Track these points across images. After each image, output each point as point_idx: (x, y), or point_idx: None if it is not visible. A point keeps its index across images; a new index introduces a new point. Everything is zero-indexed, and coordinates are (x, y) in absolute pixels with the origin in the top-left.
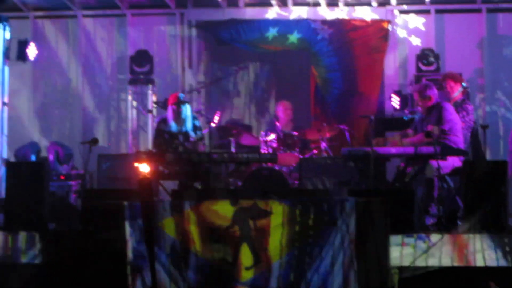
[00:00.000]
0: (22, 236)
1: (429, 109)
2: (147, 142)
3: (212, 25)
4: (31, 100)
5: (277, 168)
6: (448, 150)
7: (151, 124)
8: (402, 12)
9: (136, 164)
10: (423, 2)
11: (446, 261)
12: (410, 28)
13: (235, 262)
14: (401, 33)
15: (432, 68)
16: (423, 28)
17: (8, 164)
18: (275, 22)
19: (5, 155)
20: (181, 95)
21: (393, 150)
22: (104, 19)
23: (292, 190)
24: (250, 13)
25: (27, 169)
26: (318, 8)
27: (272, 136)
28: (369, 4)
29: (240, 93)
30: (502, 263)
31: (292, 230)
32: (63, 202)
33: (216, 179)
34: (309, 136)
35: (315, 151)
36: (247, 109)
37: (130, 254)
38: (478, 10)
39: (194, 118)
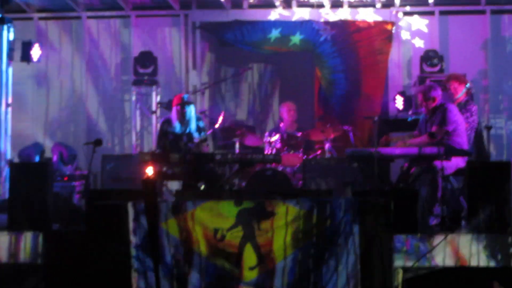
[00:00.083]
0: (26, 236)
1: (433, 110)
2: (151, 143)
3: (216, 27)
4: (35, 101)
5: (280, 168)
6: (451, 151)
7: (155, 125)
8: (406, 13)
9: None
10: (427, 4)
11: (450, 261)
12: (414, 30)
13: (238, 262)
14: (405, 34)
15: (436, 69)
16: (426, 30)
17: (12, 164)
18: (278, 24)
19: (9, 156)
20: (186, 96)
21: (397, 150)
22: (108, 20)
23: (296, 190)
24: (254, 14)
25: (31, 170)
26: (322, 10)
27: (276, 137)
28: (373, 6)
29: (244, 94)
30: (506, 263)
31: (295, 230)
32: (67, 203)
33: (220, 179)
34: (313, 137)
35: (319, 152)
36: (251, 110)
37: (133, 254)
38: (482, 12)
39: (198, 119)
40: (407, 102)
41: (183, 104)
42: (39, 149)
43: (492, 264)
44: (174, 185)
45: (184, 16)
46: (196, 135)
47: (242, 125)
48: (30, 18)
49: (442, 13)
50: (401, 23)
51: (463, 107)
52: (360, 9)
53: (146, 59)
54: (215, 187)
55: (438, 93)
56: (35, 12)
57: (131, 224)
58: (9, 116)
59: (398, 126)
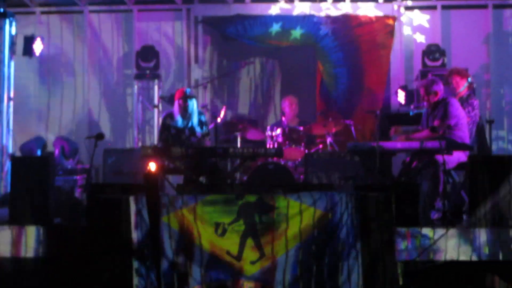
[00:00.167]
0: (27, 230)
1: (435, 105)
2: (153, 136)
3: (218, 21)
4: (37, 95)
5: (282, 162)
6: (453, 145)
7: (156, 119)
8: (407, 8)
9: (145, 162)
10: None
11: (451, 256)
12: (416, 25)
13: (240, 256)
14: (407, 29)
15: (438, 63)
16: (427, 25)
17: (13, 158)
18: (279, 18)
19: (10, 149)
20: (188, 90)
21: (398, 144)
22: (111, 14)
23: (298, 184)
24: (256, 8)
25: (33, 164)
26: (323, 4)
27: (277, 131)
28: (375, 0)
29: (246, 88)
30: (507, 257)
31: (297, 224)
32: (69, 197)
33: (222, 173)
34: (315, 131)
35: (320, 146)
36: (253, 104)
37: (135, 248)
38: (484, 6)
39: (200, 113)
40: (409, 96)
41: (186, 98)
42: (41, 143)
43: (493, 258)
44: (175, 179)
45: (187, 10)
46: (198, 129)
47: (244, 119)
48: (32, 12)
49: (444, 7)
50: (402, 18)
51: (465, 101)
52: (362, 4)
53: (148, 53)
54: (217, 181)
55: (440, 87)
56: (37, 6)
57: (132, 218)
58: (11, 110)
59: (400, 120)
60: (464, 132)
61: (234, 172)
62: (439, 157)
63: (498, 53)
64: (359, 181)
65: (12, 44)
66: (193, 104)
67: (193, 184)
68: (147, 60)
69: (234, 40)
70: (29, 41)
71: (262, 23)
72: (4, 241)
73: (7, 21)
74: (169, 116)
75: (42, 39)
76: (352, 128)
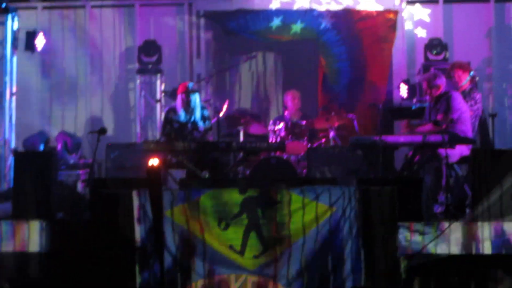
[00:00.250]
0: (30, 225)
1: (437, 98)
2: (155, 131)
3: (220, 15)
4: (39, 90)
5: (285, 157)
6: (456, 139)
7: (159, 114)
8: (409, 2)
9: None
10: None
11: (454, 249)
12: (416, 20)
13: (243, 251)
14: (408, 24)
15: (440, 57)
16: (428, 20)
17: (16, 153)
18: (279, 12)
19: (13, 144)
20: (191, 84)
21: (401, 138)
22: (113, 9)
23: (300, 179)
24: (258, 3)
25: (36, 159)
26: None
27: (280, 125)
28: None
29: (248, 82)
30: (510, 251)
31: (300, 218)
32: (71, 191)
33: (224, 168)
34: (317, 125)
35: (323, 140)
36: (255, 98)
37: (138, 243)
38: (486, 0)
39: (203, 108)
40: (411, 90)
41: (188, 92)
42: (44, 138)
43: (496, 252)
44: (178, 174)
45: (188, 5)
46: (201, 123)
47: (246, 113)
48: (34, 7)
49: (446, 1)
50: (403, 14)
51: (467, 95)
52: None
53: (150, 47)
54: (220, 176)
55: (442, 81)
56: (39, 1)
57: (135, 213)
58: (14, 105)
59: (403, 114)
60: (467, 126)
61: (236, 166)
62: (441, 151)
63: (500, 47)
64: (362, 175)
65: (15, 39)
66: (196, 98)
67: (196, 179)
68: (149, 55)
69: (236, 34)
70: (31, 36)
71: (263, 17)
72: (7, 236)
73: (9, 16)
74: (172, 110)
75: (45, 34)
76: (355, 122)
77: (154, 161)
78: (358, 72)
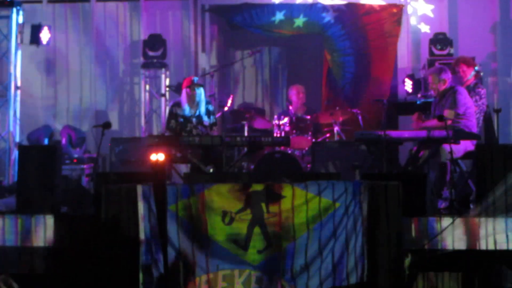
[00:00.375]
0: (34, 219)
1: (443, 93)
2: (160, 125)
3: (225, 9)
4: (44, 84)
5: (289, 151)
6: (460, 134)
7: (164, 108)
8: None
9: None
10: None
11: (458, 245)
12: (422, 13)
13: (247, 245)
14: (412, 19)
15: (445, 52)
16: (431, 15)
17: (21, 147)
18: (282, 6)
19: (18, 138)
20: (196, 78)
21: (405, 134)
22: (118, 3)
23: (305, 173)
24: None
25: (40, 153)
26: None
27: (285, 120)
28: None
29: (253, 77)
30: None
31: (304, 213)
32: (76, 186)
33: (229, 162)
34: (322, 120)
35: (327, 135)
36: (260, 92)
37: (142, 237)
38: None
39: (207, 102)
40: (416, 85)
41: (193, 86)
42: (48, 132)
43: (501, 247)
44: (182, 168)
45: None
46: (205, 118)
47: (251, 108)
48: (40, 1)
49: None
50: (410, 6)
51: (472, 90)
52: None
53: (155, 42)
54: (224, 170)
55: (448, 76)
56: None
57: (140, 207)
58: (18, 98)
59: (407, 109)
60: (472, 121)
61: (241, 161)
62: (446, 146)
63: (505, 42)
64: (366, 170)
65: (19, 33)
66: (201, 93)
67: (200, 173)
68: (154, 49)
69: (241, 28)
70: (36, 30)
71: (267, 11)
72: (12, 230)
73: (14, 10)
74: (177, 104)
75: (49, 28)
76: (359, 117)
77: (158, 156)
78: (362, 67)
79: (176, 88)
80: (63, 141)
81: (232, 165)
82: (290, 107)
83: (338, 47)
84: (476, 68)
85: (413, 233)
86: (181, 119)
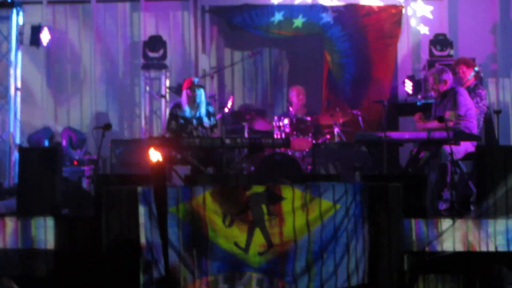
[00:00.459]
0: (35, 221)
1: (443, 94)
2: (160, 127)
3: (225, 10)
4: (44, 85)
5: (290, 153)
6: (461, 135)
7: (164, 109)
8: None
9: (150, 151)
10: None
11: (459, 246)
12: (423, 14)
13: (248, 248)
14: (414, 18)
15: (445, 53)
16: (430, 16)
17: (21, 149)
18: (281, 7)
19: (18, 140)
20: (196, 79)
21: (406, 135)
22: (118, 4)
23: (305, 175)
24: None
25: (40, 155)
26: None
27: (285, 121)
28: None
29: (253, 78)
30: None
31: (305, 215)
32: (76, 188)
33: (229, 164)
34: (322, 121)
35: (328, 136)
36: (260, 94)
37: (143, 239)
38: None
39: (208, 104)
40: (416, 86)
41: (194, 87)
42: (48, 134)
43: (501, 249)
44: (183, 170)
45: (194, 0)
46: (206, 120)
47: (251, 109)
48: (40, 2)
49: None
50: (408, 9)
51: (473, 91)
52: None
53: (156, 43)
54: (224, 172)
55: (449, 76)
56: None
57: (140, 209)
58: (18, 100)
59: (407, 110)
60: (473, 123)
61: (241, 162)
62: (446, 148)
63: (505, 43)
64: (367, 172)
65: (19, 33)
66: (201, 94)
67: (201, 175)
68: (154, 50)
69: (241, 29)
70: (36, 30)
71: (267, 12)
72: (12, 232)
73: (15, 10)
74: (177, 106)
75: (50, 29)
76: (360, 118)
77: (159, 156)
78: (363, 68)
79: (176, 90)
80: (64, 142)
81: (232, 166)
82: (291, 109)
83: (338, 48)
84: (476, 68)
85: (414, 235)
86: (182, 121)
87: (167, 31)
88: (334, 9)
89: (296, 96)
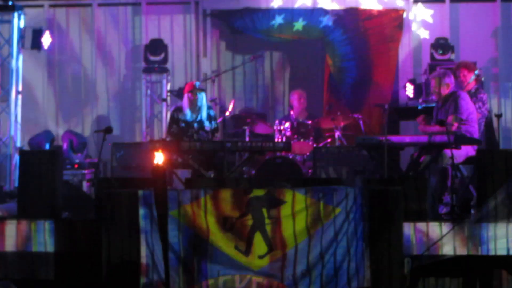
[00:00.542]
0: (35, 224)
1: (445, 98)
2: (161, 131)
3: (226, 14)
4: (45, 89)
5: (291, 157)
6: (461, 139)
7: (165, 113)
8: (415, 0)
9: (156, 154)
10: None
11: (459, 250)
12: (424, 18)
13: (248, 251)
14: (415, 22)
15: (446, 57)
16: (430, 20)
17: (22, 152)
18: (281, 10)
19: (19, 143)
20: (197, 83)
21: (407, 139)
22: (119, 8)
23: (306, 179)
24: (264, 2)
25: (41, 158)
26: None
27: (286, 125)
28: None
29: (254, 81)
30: None
31: (305, 218)
32: (77, 191)
33: (230, 167)
34: (323, 125)
35: (329, 140)
36: (261, 98)
37: (143, 242)
38: (493, 0)
39: (209, 107)
40: (418, 90)
41: (195, 91)
42: (49, 137)
43: (501, 252)
44: (184, 173)
45: (195, 3)
46: (207, 123)
47: (252, 113)
48: (41, 6)
49: (452, 0)
50: (409, 13)
51: (474, 95)
52: None
53: (157, 46)
54: (225, 175)
55: (451, 80)
56: None
57: (140, 212)
58: (19, 103)
59: (408, 114)
60: (474, 127)
61: (242, 166)
62: (447, 152)
63: (507, 47)
64: (368, 175)
65: (21, 37)
66: (203, 98)
67: (202, 178)
68: (155, 54)
69: (242, 33)
70: (37, 34)
71: (268, 16)
72: (12, 235)
73: (16, 14)
74: (178, 109)
75: (51, 33)
76: (361, 122)
77: (159, 160)
78: (364, 72)
79: (177, 93)
80: (65, 146)
81: (233, 170)
82: (292, 112)
83: (339, 52)
84: (476, 72)
85: (414, 239)
86: (183, 124)
87: (169, 34)
88: (334, 13)
89: (297, 99)
